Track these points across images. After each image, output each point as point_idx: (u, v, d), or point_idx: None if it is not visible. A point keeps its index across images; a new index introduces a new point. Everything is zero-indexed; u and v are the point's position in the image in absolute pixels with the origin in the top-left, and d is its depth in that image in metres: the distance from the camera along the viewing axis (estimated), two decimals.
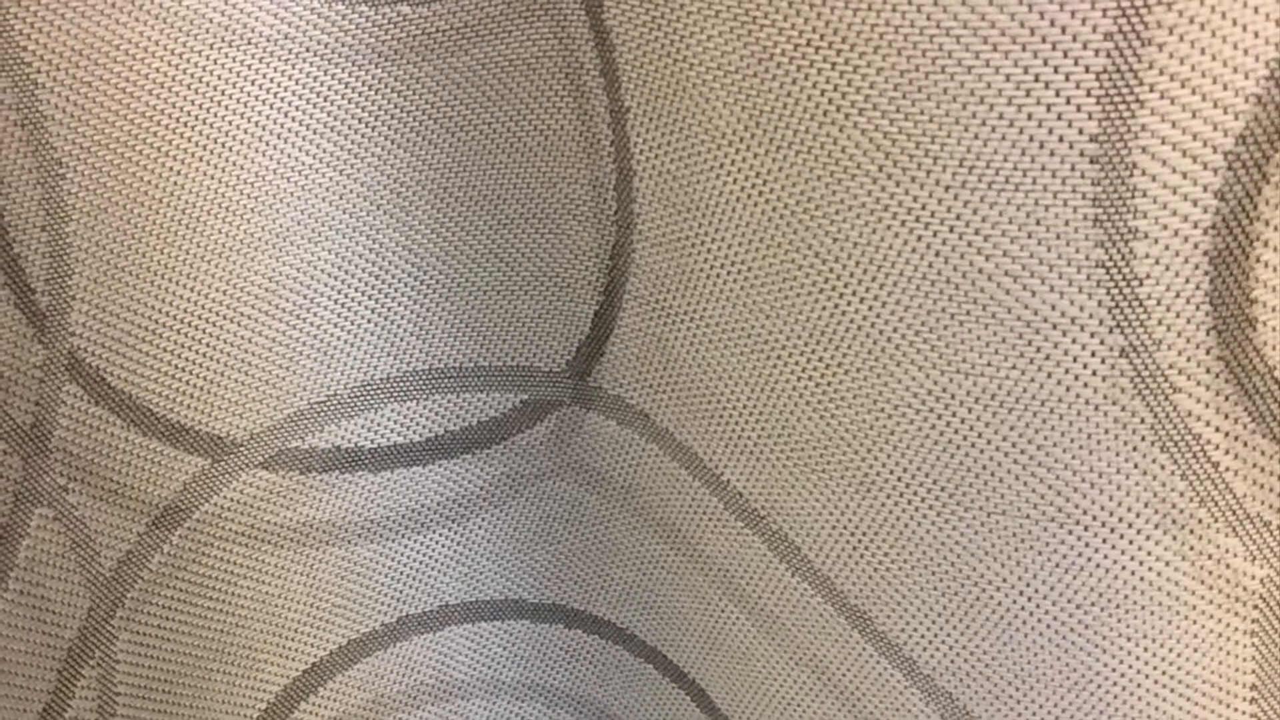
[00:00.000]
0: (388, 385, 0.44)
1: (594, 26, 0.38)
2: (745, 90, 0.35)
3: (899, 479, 0.37)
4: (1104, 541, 0.35)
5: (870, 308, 0.35)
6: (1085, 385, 0.34)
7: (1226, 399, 0.33)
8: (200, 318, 0.40)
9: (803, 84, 0.34)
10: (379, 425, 0.44)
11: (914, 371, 0.35)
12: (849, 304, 0.36)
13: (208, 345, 0.40)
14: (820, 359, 0.37)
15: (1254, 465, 0.34)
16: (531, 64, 0.39)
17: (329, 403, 0.43)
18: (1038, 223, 0.32)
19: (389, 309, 0.42)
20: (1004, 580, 0.37)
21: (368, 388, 0.43)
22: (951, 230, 0.33)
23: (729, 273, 0.38)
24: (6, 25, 0.35)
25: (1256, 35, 0.29)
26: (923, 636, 0.39)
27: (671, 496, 0.43)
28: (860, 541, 0.39)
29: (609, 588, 0.47)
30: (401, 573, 0.46)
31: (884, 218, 0.34)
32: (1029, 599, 0.37)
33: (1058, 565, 0.36)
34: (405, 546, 0.46)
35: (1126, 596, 0.36)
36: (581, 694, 0.49)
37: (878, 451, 0.37)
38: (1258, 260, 0.32)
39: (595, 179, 0.40)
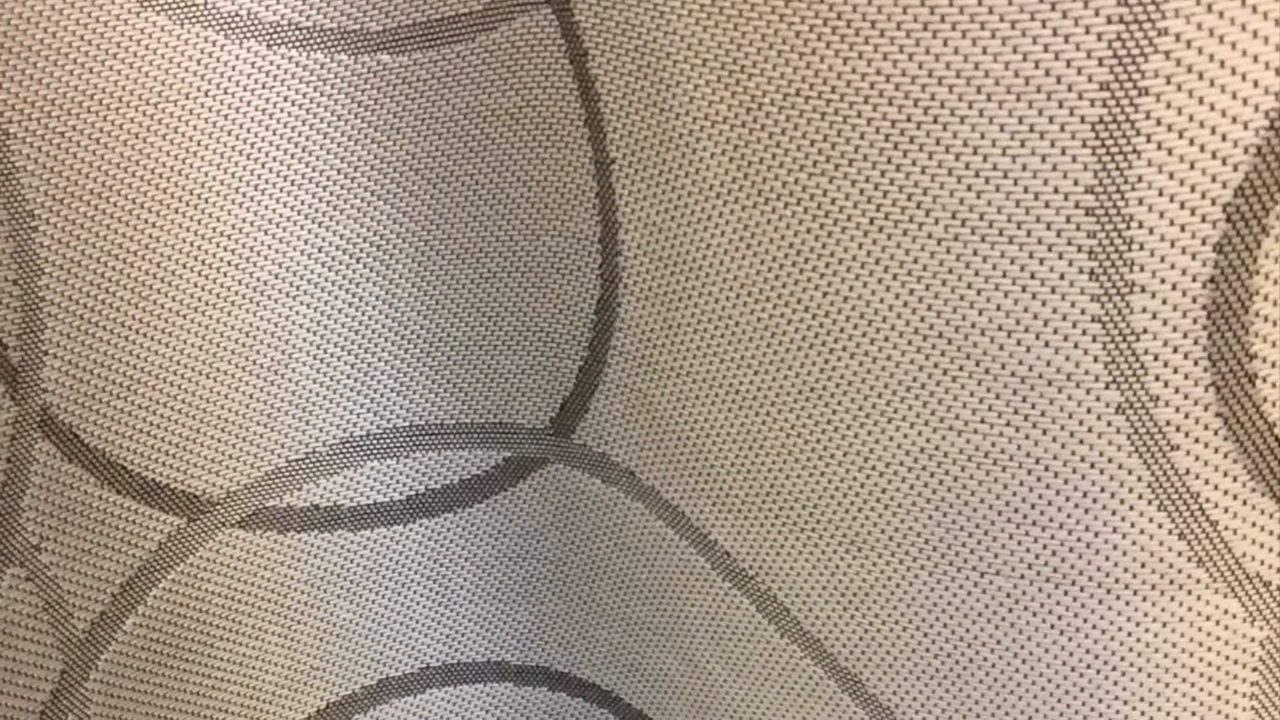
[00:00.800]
0: (368, 442, 0.43)
1: (578, 76, 0.38)
2: (733, 141, 0.35)
3: (890, 539, 0.37)
4: (1099, 603, 0.35)
5: (861, 363, 0.35)
6: (1081, 443, 0.33)
7: (1225, 456, 0.33)
8: (175, 374, 0.40)
9: (792, 134, 0.34)
10: (359, 483, 0.44)
11: (906, 428, 0.35)
12: (839, 359, 0.35)
13: (183, 402, 0.40)
14: (810, 415, 0.37)
15: (1253, 524, 0.34)
16: (515, 115, 0.39)
17: (308, 460, 0.43)
18: (1032, 276, 0.32)
19: (369, 364, 0.42)
20: (998, 643, 0.36)
21: (347, 445, 0.43)
22: (944, 284, 0.33)
23: (717, 327, 0.38)
24: None
25: (1255, 85, 0.29)
26: (915, 700, 0.39)
27: (657, 557, 0.42)
28: (851, 603, 0.39)
29: (594, 650, 0.46)
30: (381, 634, 0.46)
31: (875, 270, 0.34)
32: (1024, 661, 0.36)
33: (1053, 627, 0.36)
34: (385, 607, 0.46)
35: (1123, 659, 0.35)
36: None
37: (869, 511, 0.37)
38: (1257, 315, 0.32)
39: (580, 232, 0.40)
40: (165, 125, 0.37)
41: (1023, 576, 0.35)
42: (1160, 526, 0.34)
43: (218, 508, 0.42)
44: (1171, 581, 0.34)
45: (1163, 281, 0.31)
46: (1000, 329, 0.33)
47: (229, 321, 0.40)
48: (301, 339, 0.41)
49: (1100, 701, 0.36)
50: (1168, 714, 0.36)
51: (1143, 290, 0.31)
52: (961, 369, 0.34)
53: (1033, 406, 0.33)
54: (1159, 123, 0.30)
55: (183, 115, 0.38)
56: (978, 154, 0.31)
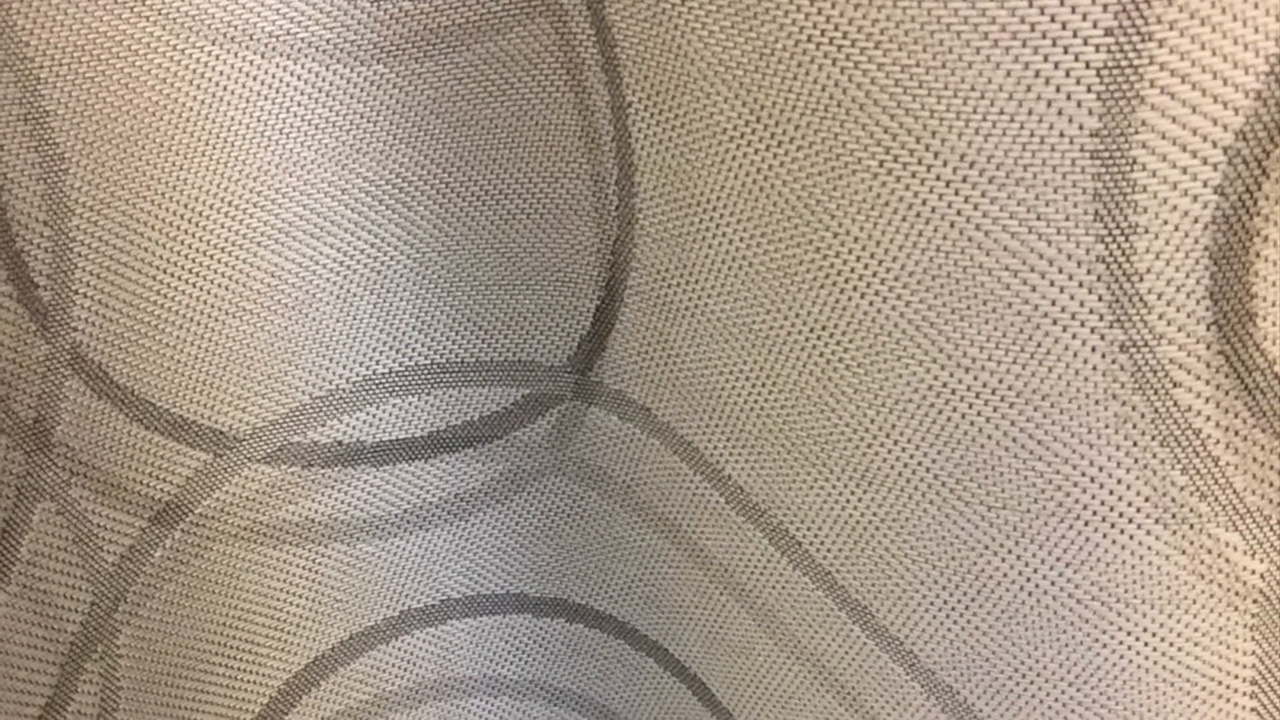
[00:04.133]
0: (389, 380, 0.44)
1: (595, 22, 0.38)
2: (746, 85, 0.35)
3: (899, 473, 0.37)
4: (1104, 536, 0.35)
5: (871, 302, 0.35)
6: (1085, 380, 0.34)
7: (1226, 394, 0.33)
8: (202, 312, 0.40)
9: (803, 79, 0.34)
10: (381, 420, 0.44)
11: (914, 365, 0.35)
12: (849, 298, 0.36)
13: (210, 340, 0.40)
14: (821, 353, 0.37)
15: (1254, 459, 0.34)
16: (532, 59, 0.39)
17: (331, 397, 0.43)
18: (1038, 217, 0.32)
19: (391, 304, 0.42)
20: (1005, 574, 0.37)
21: (370, 382, 0.43)
22: (952, 225, 0.33)
23: (730, 267, 0.38)
24: (9, 21, 0.36)
25: (1257, 30, 0.29)
26: (924, 631, 0.39)
27: (672, 491, 0.43)
28: (861, 536, 0.39)
29: (610, 583, 0.47)
30: (403, 567, 0.46)
31: (884, 212, 0.34)
32: (1029, 593, 0.37)
33: (1058, 559, 0.36)
34: (407, 541, 0.46)
35: (1127, 591, 0.36)
36: (583, 690, 0.49)
37: (878, 446, 0.37)
38: (1258, 255, 0.32)
39: (596, 174, 0.40)
40: (192, 70, 0.37)
41: (1028, 510, 0.35)
42: (1163, 462, 0.34)
43: (243, 443, 0.42)
44: (1174, 515, 0.34)
45: (1165, 223, 0.31)
46: (1006, 269, 0.33)
47: (255, 261, 0.40)
48: (325, 279, 0.41)
49: (1104, 632, 0.36)
50: (1169, 644, 0.36)
51: (1145, 231, 0.32)
52: (969, 308, 0.34)
53: (1038, 344, 0.33)
54: (1162, 68, 0.30)
55: (209, 61, 0.37)
56: (985, 98, 0.31)
